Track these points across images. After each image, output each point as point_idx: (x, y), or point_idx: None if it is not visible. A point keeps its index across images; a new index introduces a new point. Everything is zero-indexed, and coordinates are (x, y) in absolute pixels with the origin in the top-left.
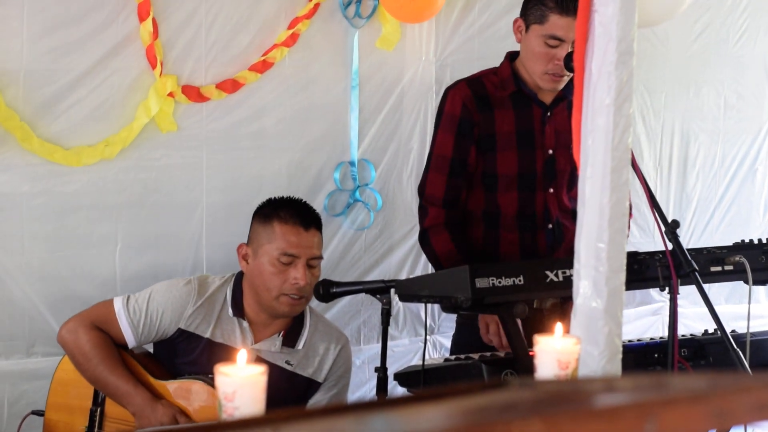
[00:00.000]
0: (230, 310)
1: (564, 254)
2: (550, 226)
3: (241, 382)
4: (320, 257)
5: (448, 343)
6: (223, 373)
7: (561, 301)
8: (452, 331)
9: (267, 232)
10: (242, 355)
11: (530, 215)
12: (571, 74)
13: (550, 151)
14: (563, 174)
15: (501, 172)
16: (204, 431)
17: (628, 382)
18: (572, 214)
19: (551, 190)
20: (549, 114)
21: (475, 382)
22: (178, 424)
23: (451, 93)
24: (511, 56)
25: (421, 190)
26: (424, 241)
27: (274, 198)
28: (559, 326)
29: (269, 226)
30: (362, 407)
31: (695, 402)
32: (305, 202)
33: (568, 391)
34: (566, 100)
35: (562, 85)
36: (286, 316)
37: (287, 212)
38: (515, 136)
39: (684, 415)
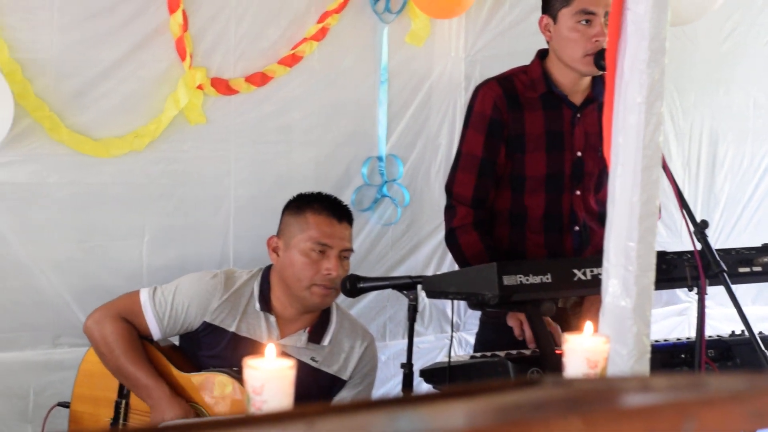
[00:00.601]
0: (257, 304)
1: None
2: (577, 228)
3: (269, 376)
4: (352, 250)
5: (473, 340)
6: (252, 366)
7: (580, 298)
8: (477, 330)
9: (299, 222)
10: (271, 348)
11: (557, 217)
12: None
13: (579, 153)
14: (591, 176)
15: (529, 173)
16: (238, 424)
17: (663, 381)
18: (599, 217)
19: (578, 192)
20: (579, 115)
21: (507, 379)
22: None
23: (481, 92)
24: (542, 54)
25: (449, 188)
26: (451, 240)
27: (306, 192)
28: (588, 325)
29: (302, 217)
30: (394, 403)
31: (733, 402)
32: (337, 197)
33: (603, 390)
34: (596, 101)
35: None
36: (317, 309)
37: (320, 204)
38: (544, 138)
39: (722, 415)
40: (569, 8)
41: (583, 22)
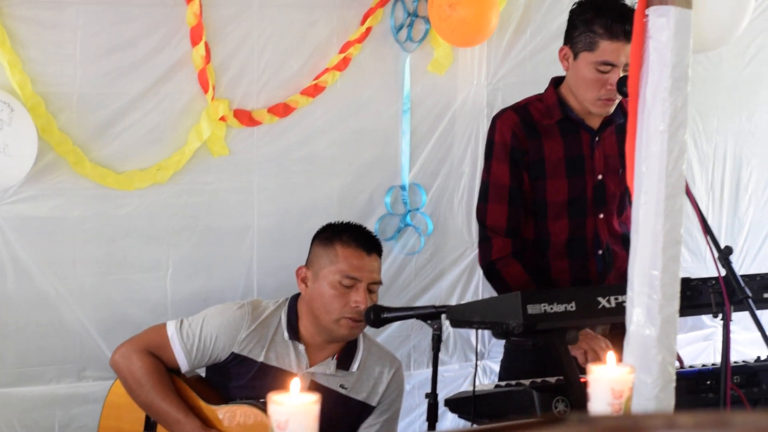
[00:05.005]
0: (286, 334)
1: (615, 280)
2: (600, 252)
3: (294, 411)
4: (380, 282)
5: (498, 368)
6: (276, 401)
7: (611, 328)
8: (502, 357)
9: (329, 254)
10: (295, 383)
11: (581, 241)
12: (623, 98)
13: (600, 176)
14: (613, 198)
15: (551, 199)
16: None
17: (688, 418)
18: (622, 239)
19: (601, 216)
20: (597, 139)
21: (534, 418)
22: None
23: (499, 122)
24: (556, 82)
25: (482, 221)
26: (493, 273)
27: (335, 222)
28: (611, 355)
29: (331, 249)
30: None
31: None
32: (366, 228)
33: (628, 427)
34: (614, 123)
35: (612, 108)
36: (345, 340)
37: (350, 236)
38: (564, 163)
39: None
40: (592, 54)
41: (602, 71)
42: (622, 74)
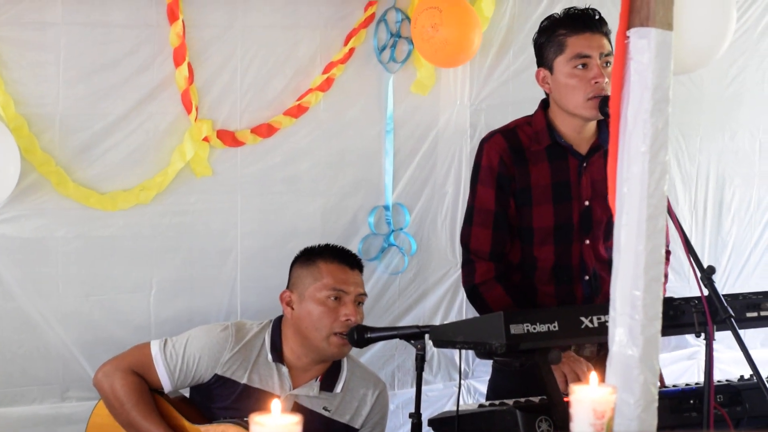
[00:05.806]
0: (269, 356)
1: None
2: (587, 277)
3: None
4: (366, 295)
5: (482, 388)
6: (258, 423)
7: (598, 350)
8: (487, 376)
9: (312, 273)
10: (276, 404)
11: (567, 267)
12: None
13: (587, 202)
14: (599, 224)
15: (537, 225)
16: None
17: None
18: (609, 264)
19: (587, 242)
20: (585, 164)
21: None
22: None
23: (486, 146)
24: (545, 104)
25: (466, 244)
26: (476, 296)
27: (313, 245)
28: (594, 375)
29: (314, 267)
30: None
31: None
32: (344, 247)
33: None
34: (602, 149)
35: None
36: (333, 359)
37: (331, 253)
38: (551, 189)
39: None
40: (564, 55)
41: (580, 67)
42: (599, 62)
